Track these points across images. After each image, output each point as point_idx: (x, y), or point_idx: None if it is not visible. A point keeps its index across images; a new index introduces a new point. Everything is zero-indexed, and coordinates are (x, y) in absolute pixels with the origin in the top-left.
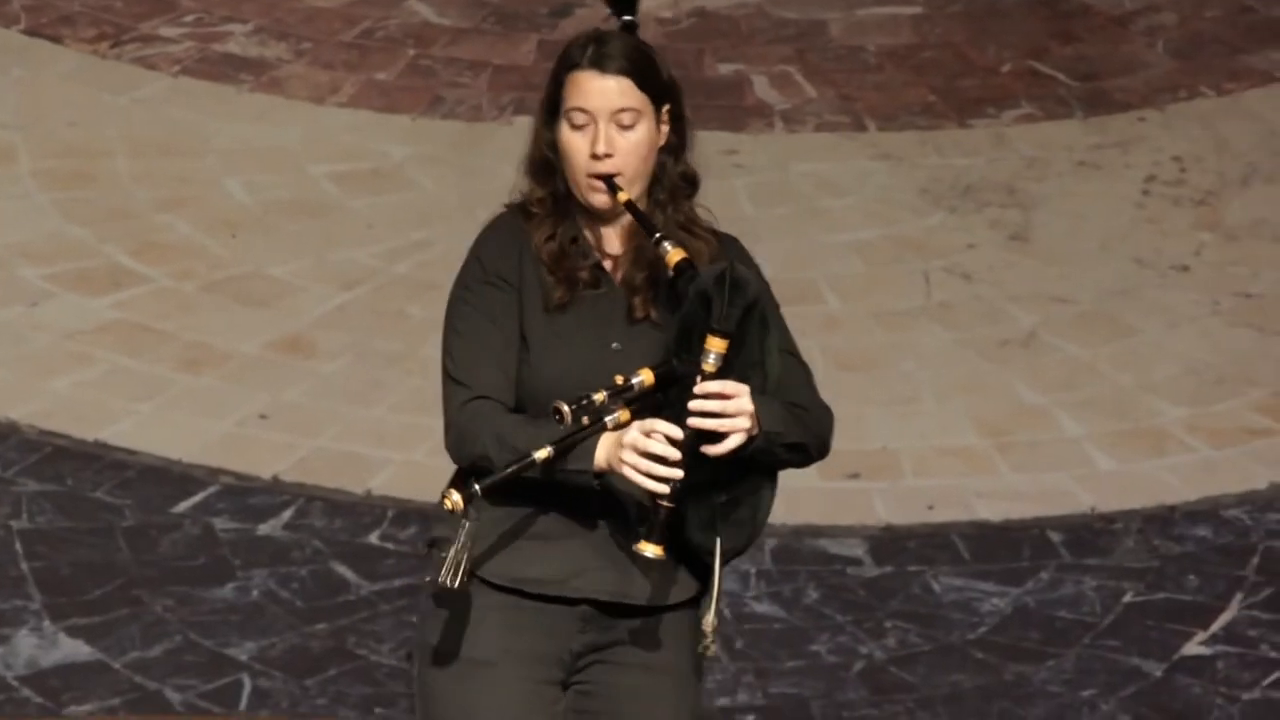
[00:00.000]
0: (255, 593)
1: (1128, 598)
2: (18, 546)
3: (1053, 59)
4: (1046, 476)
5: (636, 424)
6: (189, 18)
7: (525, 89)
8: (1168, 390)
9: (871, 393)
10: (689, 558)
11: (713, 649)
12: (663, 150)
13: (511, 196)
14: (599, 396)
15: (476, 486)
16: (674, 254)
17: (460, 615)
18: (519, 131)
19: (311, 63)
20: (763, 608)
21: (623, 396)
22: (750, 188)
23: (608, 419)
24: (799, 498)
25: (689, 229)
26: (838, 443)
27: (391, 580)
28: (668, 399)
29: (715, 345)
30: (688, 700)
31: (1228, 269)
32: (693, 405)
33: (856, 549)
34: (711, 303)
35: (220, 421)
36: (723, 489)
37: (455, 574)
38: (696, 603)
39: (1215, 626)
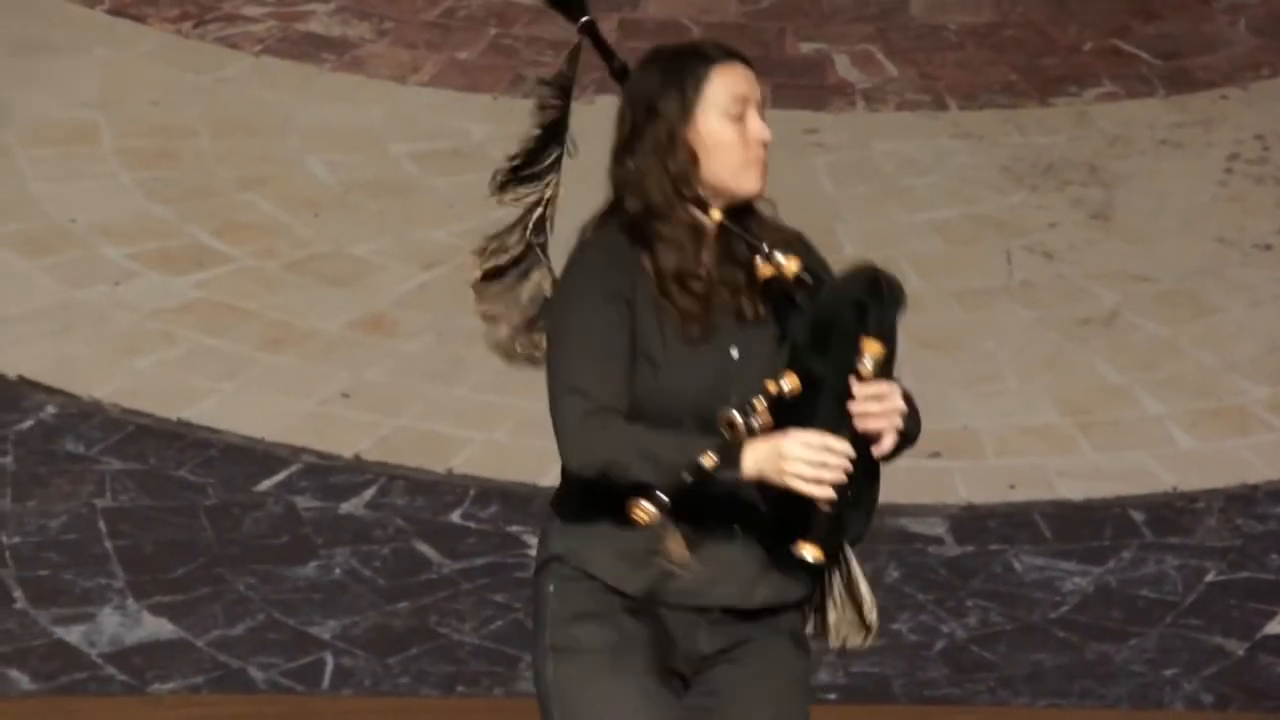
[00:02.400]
0: (337, 571)
1: (1210, 577)
2: (101, 525)
3: (1134, 37)
4: (1128, 455)
5: (794, 434)
6: None
7: (606, 71)
8: (1250, 369)
9: (953, 372)
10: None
11: (861, 641)
12: None
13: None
14: (759, 404)
15: (663, 495)
16: (792, 262)
17: (586, 615)
18: (600, 111)
19: (393, 42)
20: None
21: (774, 403)
22: (831, 166)
23: (757, 425)
24: (881, 477)
25: (772, 228)
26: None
27: (473, 559)
28: (798, 405)
29: (873, 349)
30: (802, 702)
31: None
32: (859, 408)
33: (938, 528)
34: (869, 308)
35: (302, 400)
36: (852, 486)
37: (682, 556)
38: (808, 601)
39: None
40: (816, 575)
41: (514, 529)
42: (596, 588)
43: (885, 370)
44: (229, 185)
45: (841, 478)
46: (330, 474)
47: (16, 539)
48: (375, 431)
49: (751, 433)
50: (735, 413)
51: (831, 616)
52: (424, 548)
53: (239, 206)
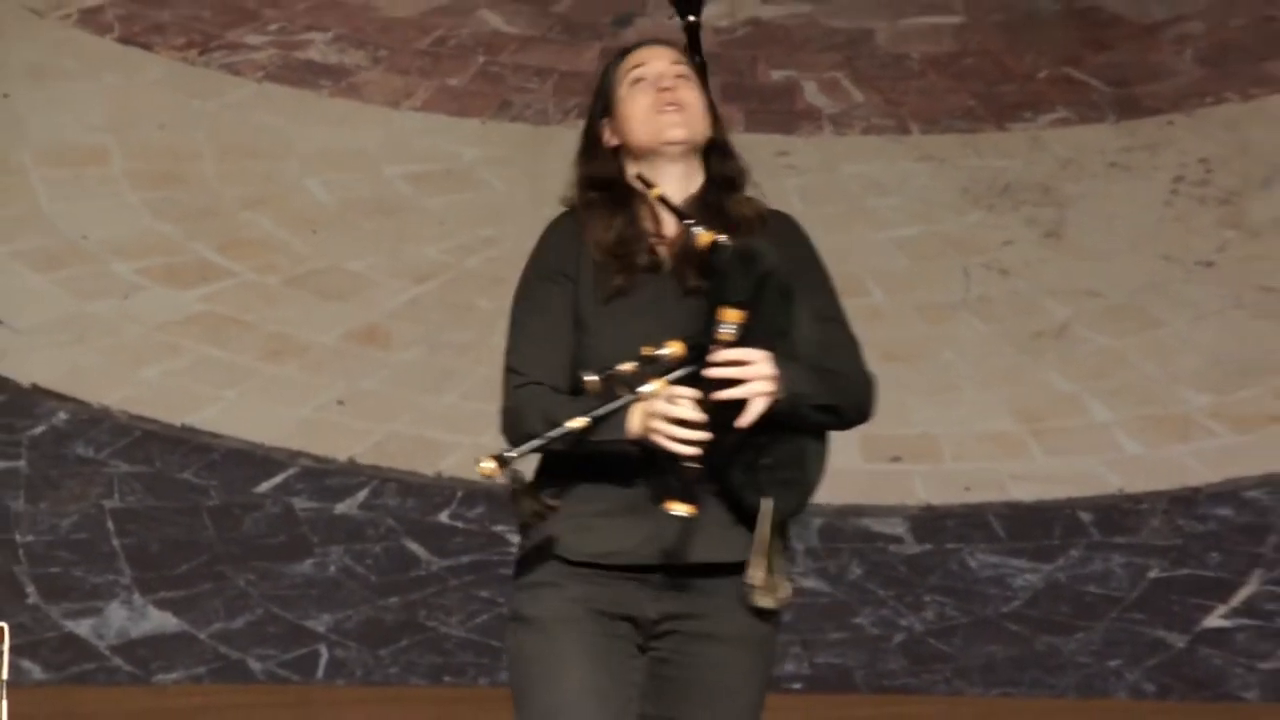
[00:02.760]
0: (332, 568)
1: (1153, 574)
2: (110, 524)
3: (1086, 66)
4: (1077, 460)
5: (664, 391)
6: (272, 26)
7: (589, 94)
8: (1192, 379)
9: (913, 381)
10: (748, 521)
11: (763, 601)
12: (717, 132)
13: (565, 198)
14: (627, 367)
15: (511, 454)
16: (704, 236)
17: (543, 586)
18: None
19: (388, 69)
20: (809, 583)
21: (653, 367)
22: (801, 187)
23: (642, 389)
24: (843, 479)
25: (737, 210)
26: (881, 428)
27: (460, 557)
28: (699, 371)
29: (729, 316)
30: (759, 666)
31: (1250, 265)
32: (711, 373)
33: (898, 527)
34: (725, 279)
35: (300, 407)
36: (764, 452)
37: (538, 508)
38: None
39: (1235, 601)
40: (748, 538)
41: (499, 528)
42: (549, 557)
43: (763, 337)
44: (232, 205)
45: (699, 435)
46: (326, 476)
47: (29, 538)
48: (368, 437)
49: (613, 395)
50: (591, 373)
51: (751, 575)
52: (414, 546)
53: (241, 225)
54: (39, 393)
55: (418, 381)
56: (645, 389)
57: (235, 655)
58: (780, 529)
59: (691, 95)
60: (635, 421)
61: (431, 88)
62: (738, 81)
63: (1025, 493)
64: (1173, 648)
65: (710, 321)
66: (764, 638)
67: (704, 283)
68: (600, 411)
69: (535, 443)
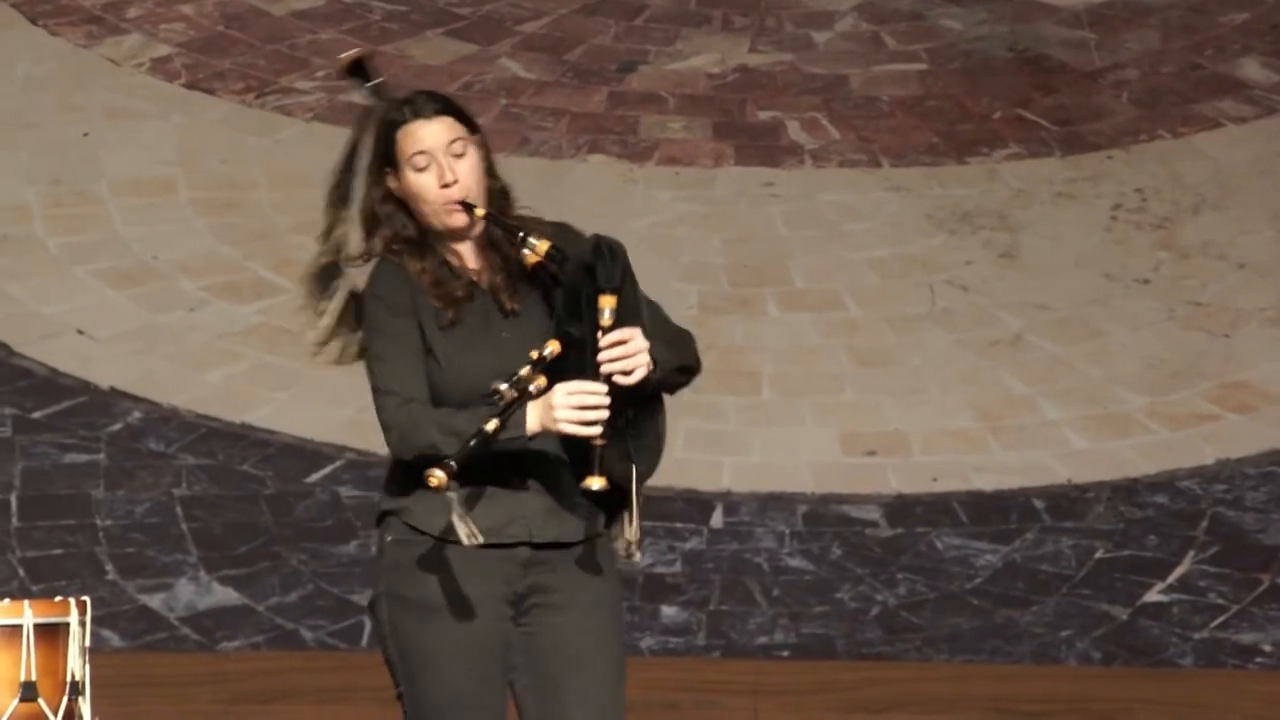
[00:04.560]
0: (374, 549)
1: (1098, 554)
2: (178, 510)
3: (1036, 108)
4: (1031, 454)
5: (559, 387)
6: (320, 73)
7: (597, 132)
8: (1131, 382)
9: (885, 384)
10: (593, 496)
11: (637, 555)
12: (489, 169)
13: (363, 249)
14: (524, 371)
15: (451, 462)
16: (542, 244)
17: (416, 567)
18: (593, 168)
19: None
20: (795, 562)
21: (540, 366)
22: (784, 214)
23: (531, 388)
24: (826, 471)
25: (533, 223)
26: (857, 425)
27: None
28: (569, 363)
29: (608, 302)
30: (617, 625)
31: (1181, 282)
32: (603, 356)
33: (873, 513)
34: (596, 269)
35: (345, 408)
36: (631, 424)
37: (471, 532)
38: (603, 535)
39: (1171, 578)
40: (598, 514)
41: None
42: (425, 541)
43: (629, 318)
44: (284, 229)
45: (603, 415)
46: (368, 469)
47: (108, 522)
48: None
49: (527, 395)
50: (501, 383)
51: (628, 532)
52: None
53: (293, 247)
54: (116, 394)
55: None
56: (533, 387)
57: (289, 625)
58: (640, 482)
59: (470, 175)
60: (534, 418)
61: None
62: (728, 121)
63: (985, 483)
64: (1116, 619)
65: (571, 316)
66: (617, 599)
67: (518, 294)
68: (507, 412)
69: (469, 448)
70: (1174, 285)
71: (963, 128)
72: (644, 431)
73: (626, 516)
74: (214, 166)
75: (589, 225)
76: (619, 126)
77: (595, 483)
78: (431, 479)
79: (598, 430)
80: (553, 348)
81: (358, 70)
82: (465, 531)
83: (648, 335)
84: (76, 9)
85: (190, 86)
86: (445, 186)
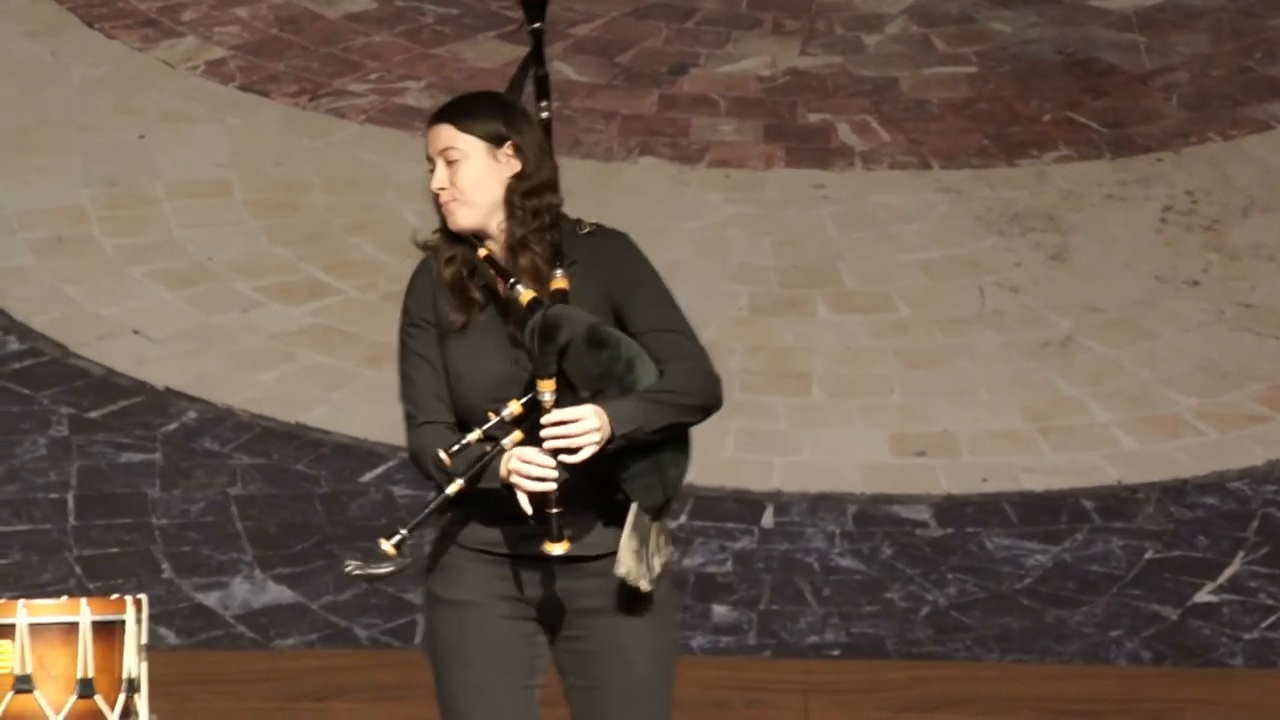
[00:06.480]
0: (426, 548)
1: (1148, 555)
2: (234, 509)
3: (1085, 110)
4: (1080, 455)
5: (515, 451)
6: (373, 76)
7: (647, 134)
8: (1181, 384)
9: (935, 385)
10: (616, 515)
11: (640, 584)
12: (514, 180)
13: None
14: (473, 437)
15: (402, 533)
16: (524, 295)
17: (449, 569)
18: (644, 170)
19: None
20: (846, 562)
21: (499, 428)
22: (835, 215)
23: (505, 442)
24: (875, 472)
25: (550, 261)
26: (907, 426)
27: None
28: (536, 422)
29: (545, 386)
30: (658, 626)
31: (1230, 284)
32: (545, 434)
33: (923, 514)
34: (533, 355)
35: (397, 408)
36: (619, 468)
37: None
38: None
39: (1221, 578)
40: (616, 533)
41: None
42: (459, 546)
43: (589, 385)
44: (338, 231)
45: (550, 486)
46: None
47: (164, 521)
48: None
49: (480, 450)
50: (444, 452)
51: (619, 567)
52: None
53: (346, 248)
54: (171, 394)
55: None
56: (507, 440)
57: (343, 623)
58: (656, 514)
59: (462, 181)
60: (503, 470)
61: None
62: (779, 123)
63: (1035, 483)
64: (1166, 620)
65: (533, 391)
66: (664, 602)
67: (525, 337)
68: (474, 471)
69: (422, 518)
70: (1223, 287)
71: (1012, 130)
72: (638, 474)
73: (627, 549)
74: (268, 168)
75: (640, 227)
76: (670, 129)
77: (555, 548)
78: (381, 543)
79: (549, 490)
80: (512, 409)
81: (531, 4)
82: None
83: (618, 399)
84: (132, 12)
85: (244, 89)
86: (439, 190)
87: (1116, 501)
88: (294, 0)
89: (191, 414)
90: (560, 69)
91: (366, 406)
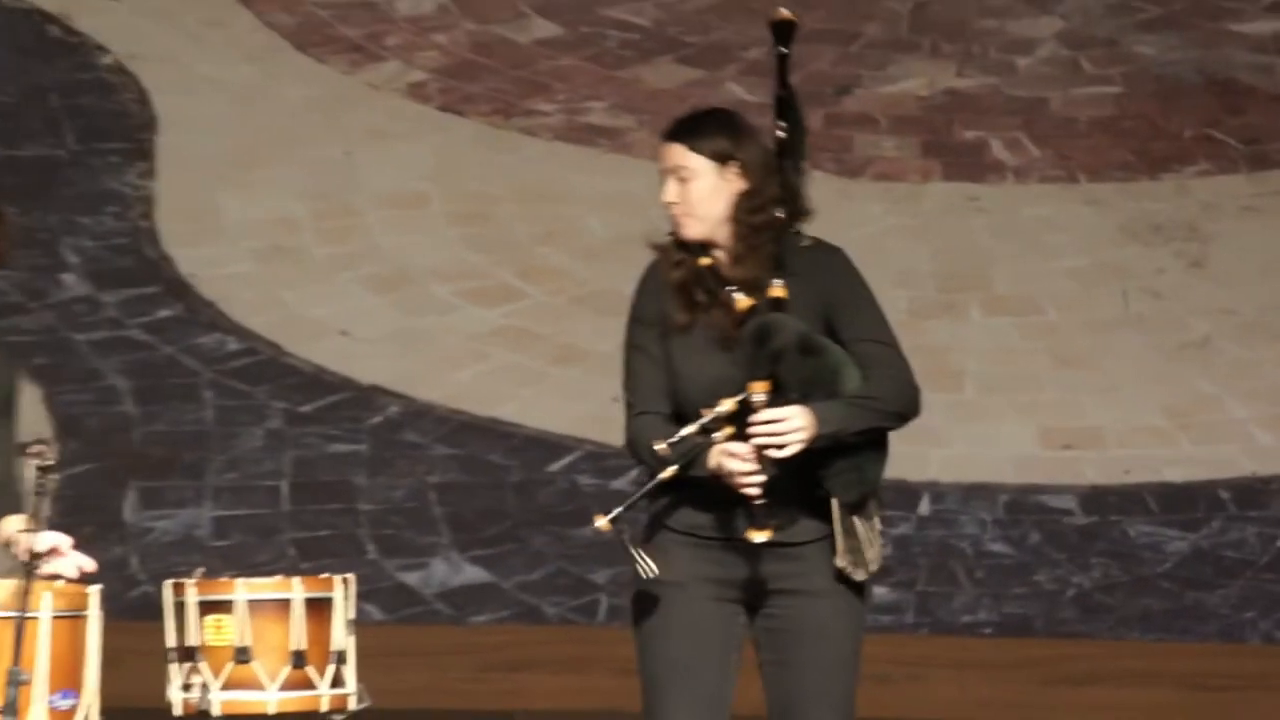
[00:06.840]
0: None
1: None
2: (433, 496)
3: (1224, 127)
4: (1218, 448)
5: (727, 445)
6: (560, 97)
7: (814, 150)
8: None
9: (1082, 383)
10: (823, 507)
11: (856, 575)
12: (742, 198)
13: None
14: (689, 431)
15: (616, 511)
16: (742, 302)
17: (660, 551)
18: (811, 183)
19: (652, 131)
20: (997, 547)
21: (713, 424)
22: (988, 226)
23: (715, 435)
24: (1025, 463)
25: (770, 270)
26: (1056, 421)
27: None
28: (747, 420)
29: (757, 388)
30: (851, 611)
31: None
32: (753, 430)
33: (1070, 503)
34: (750, 357)
35: (584, 403)
36: (822, 465)
37: (646, 568)
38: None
39: None
40: (822, 522)
41: None
42: (662, 527)
43: (798, 388)
44: (529, 239)
45: (758, 479)
46: (605, 459)
47: (369, 506)
48: None
49: (692, 443)
50: (662, 444)
51: (838, 558)
52: None
53: (536, 255)
54: (376, 390)
55: None
56: (719, 434)
57: (533, 602)
58: (860, 510)
59: (690, 196)
60: (711, 461)
61: None
62: (936, 140)
63: (1175, 475)
64: None
65: (746, 391)
66: (854, 588)
67: (741, 341)
68: (688, 458)
69: (634, 500)
70: None
71: (1155, 146)
72: (840, 471)
73: (841, 542)
74: (464, 182)
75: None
76: (834, 145)
77: (759, 536)
78: (596, 520)
79: (754, 490)
80: (727, 407)
81: (781, 31)
82: (643, 568)
83: (825, 402)
84: (340, 39)
85: (443, 109)
86: (668, 204)
87: (1251, 492)
88: (488, 27)
89: (394, 408)
90: (732, 89)
91: (555, 402)
